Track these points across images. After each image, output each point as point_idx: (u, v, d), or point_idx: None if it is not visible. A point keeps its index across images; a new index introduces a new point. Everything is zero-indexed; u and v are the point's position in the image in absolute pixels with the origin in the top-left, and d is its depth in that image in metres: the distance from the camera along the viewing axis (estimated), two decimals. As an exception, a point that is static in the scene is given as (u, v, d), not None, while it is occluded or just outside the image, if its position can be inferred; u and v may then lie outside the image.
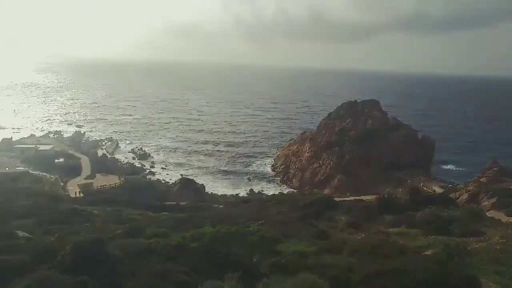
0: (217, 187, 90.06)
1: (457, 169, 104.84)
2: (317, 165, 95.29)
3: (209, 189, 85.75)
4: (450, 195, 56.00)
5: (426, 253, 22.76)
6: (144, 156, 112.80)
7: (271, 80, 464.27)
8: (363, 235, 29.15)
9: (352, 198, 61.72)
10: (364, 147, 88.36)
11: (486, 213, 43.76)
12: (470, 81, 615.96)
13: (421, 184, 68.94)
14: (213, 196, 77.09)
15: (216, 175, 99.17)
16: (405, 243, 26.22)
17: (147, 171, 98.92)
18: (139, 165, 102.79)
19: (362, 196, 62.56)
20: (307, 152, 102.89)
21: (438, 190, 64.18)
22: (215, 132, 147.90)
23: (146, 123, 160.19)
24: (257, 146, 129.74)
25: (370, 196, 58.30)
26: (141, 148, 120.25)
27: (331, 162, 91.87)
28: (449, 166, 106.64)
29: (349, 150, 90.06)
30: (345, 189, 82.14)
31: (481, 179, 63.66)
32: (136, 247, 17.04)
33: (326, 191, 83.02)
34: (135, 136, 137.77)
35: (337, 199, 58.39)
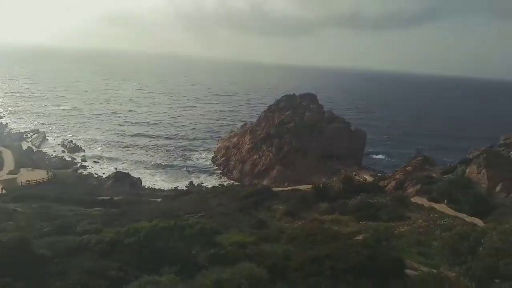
0: (155, 181, 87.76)
1: (386, 159, 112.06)
2: (257, 157, 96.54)
3: (146, 183, 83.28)
4: (380, 183, 59.72)
5: (357, 238, 24.10)
6: (74, 149, 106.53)
7: (213, 72, 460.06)
8: (299, 223, 30.12)
9: (289, 188, 63.43)
10: (301, 138, 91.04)
11: (411, 199, 47.32)
12: (403, 77, 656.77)
13: (354, 173, 72.61)
14: (151, 190, 75.01)
15: (153, 169, 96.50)
16: (338, 230, 27.55)
17: (78, 165, 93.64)
18: (69, 159, 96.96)
19: (299, 186, 64.58)
20: (248, 144, 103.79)
21: (369, 178, 68.05)
22: (153, 124, 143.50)
23: (77, 114, 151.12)
24: (197, 139, 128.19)
25: (307, 186, 60.35)
26: (71, 141, 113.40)
27: (271, 154, 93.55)
28: (379, 156, 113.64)
29: (288, 142, 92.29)
30: (284, 180, 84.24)
31: (407, 168, 68.57)
32: (65, 245, 16.08)
33: (266, 182, 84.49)
34: (65, 128, 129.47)
35: (275, 189, 59.68)
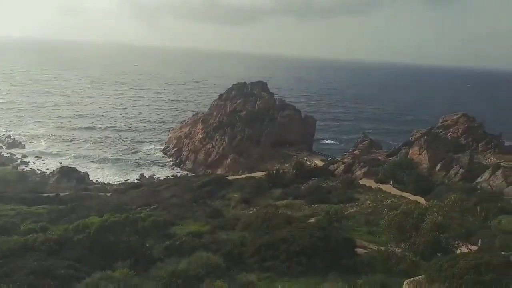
0: (103, 175, 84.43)
1: (336, 144, 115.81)
2: (210, 146, 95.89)
3: (94, 177, 80.00)
4: (330, 167, 61.70)
5: (310, 221, 24.88)
6: (13, 144, 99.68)
7: (161, 60, 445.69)
8: (254, 210, 30.49)
9: (244, 175, 63.81)
10: (254, 126, 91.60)
11: (359, 181, 49.44)
12: (351, 64, 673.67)
13: (305, 159, 74.41)
14: (100, 184, 72.23)
15: (101, 163, 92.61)
16: (292, 214, 28.26)
17: (19, 161, 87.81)
18: (8, 155, 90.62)
19: (253, 173, 65.15)
20: (200, 134, 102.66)
21: (320, 163, 70.06)
22: (99, 116, 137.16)
23: (16, 108, 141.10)
24: (147, 130, 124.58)
25: (261, 173, 61.02)
26: (10, 136, 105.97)
27: (224, 143, 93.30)
28: (328, 142, 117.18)
29: (240, 130, 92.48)
30: (238, 168, 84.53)
31: (354, 152, 71.40)
32: (9, 245, 15.14)
33: (220, 171, 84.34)
34: (2, 122, 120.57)
35: (230, 177, 59.78)
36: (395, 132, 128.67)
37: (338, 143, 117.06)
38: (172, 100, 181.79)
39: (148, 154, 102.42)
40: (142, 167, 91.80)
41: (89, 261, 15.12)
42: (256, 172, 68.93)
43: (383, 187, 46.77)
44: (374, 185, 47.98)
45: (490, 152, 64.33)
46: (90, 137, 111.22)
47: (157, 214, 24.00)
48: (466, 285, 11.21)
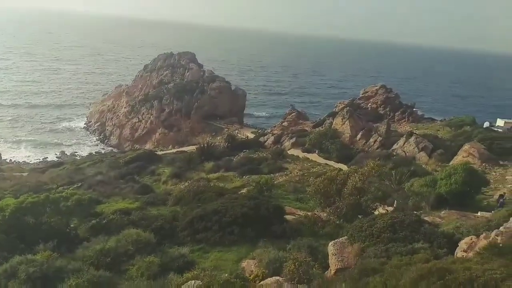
0: (19, 155, 77.44)
1: (265, 116, 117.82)
2: (137, 120, 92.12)
3: (7, 157, 73.17)
4: (260, 139, 62.87)
5: (241, 191, 25.38)
6: None
7: (78, 28, 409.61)
8: (186, 184, 30.25)
9: (174, 150, 62.64)
10: (183, 99, 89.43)
11: (288, 152, 51.15)
12: (287, 37, 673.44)
13: (236, 131, 74.90)
14: (14, 164, 66.32)
15: (16, 142, 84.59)
16: (224, 186, 28.54)
17: None
18: None
19: (184, 148, 64.23)
20: (124, 107, 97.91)
21: (250, 135, 71.05)
22: (9, 92, 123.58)
23: None
24: (65, 105, 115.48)
25: (192, 147, 60.36)
26: None
27: (151, 116, 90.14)
28: (259, 114, 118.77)
29: (169, 103, 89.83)
30: (167, 142, 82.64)
31: (283, 123, 73.36)
32: None
33: (148, 146, 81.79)
34: None
35: (159, 152, 58.33)
36: (321, 103, 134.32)
37: (268, 115, 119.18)
38: (91, 72, 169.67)
39: (69, 130, 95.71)
40: (62, 144, 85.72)
41: (6, 246, 14.00)
42: (187, 146, 68.03)
43: (310, 156, 48.90)
44: (301, 154, 49.95)
45: (405, 121, 70.03)
46: (0, 115, 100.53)
47: (81, 192, 22.74)
48: (382, 242, 12.27)
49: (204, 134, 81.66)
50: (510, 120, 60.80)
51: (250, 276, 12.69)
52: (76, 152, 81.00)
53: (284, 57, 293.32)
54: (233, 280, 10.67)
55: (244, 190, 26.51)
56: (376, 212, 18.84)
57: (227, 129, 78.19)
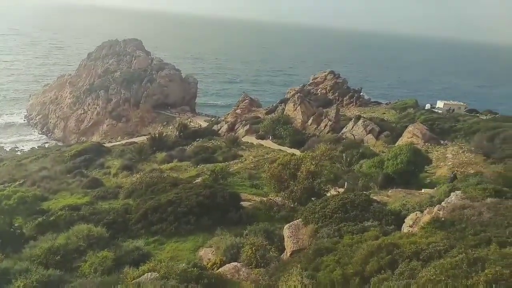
0: (-50, 151, 71.30)
1: (219, 104, 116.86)
2: (82, 112, 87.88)
3: None
4: (213, 127, 62.41)
5: (196, 181, 25.11)
6: None
7: (16, 15, 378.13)
8: (138, 175, 29.43)
9: (124, 141, 60.56)
10: (131, 88, 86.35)
11: (242, 139, 51.27)
12: (234, 23, 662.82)
13: (189, 120, 73.72)
14: None
15: None
16: (178, 176, 28.11)
17: None
18: None
19: (135, 138, 62.31)
20: (68, 98, 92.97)
21: (204, 124, 70.27)
22: None
23: None
24: (3, 98, 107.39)
25: (142, 137, 58.70)
26: None
27: (98, 107, 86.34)
28: (211, 102, 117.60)
29: (116, 93, 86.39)
30: (116, 134, 79.71)
31: (236, 111, 73.20)
32: None
33: (96, 138, 78.44)
34: None
35: (108, 144, 56.18)
36: (272, 90, 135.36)
37: (220, 102, 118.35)
38: (28, 61, 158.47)
39: (7, 124, 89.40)
40: (1, 139, 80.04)
41: None
42: (137, 137, 66.07)
43: (264, 142, 49.38)
44: (255, 141, 50.29)
45: (353, 105, 72.43)
46: None
47: (24, 190, 21.43)
48: (335, 222, 12.72)
49: (155, 124, 79.81)
50: (449, 102, 64.84)
51: (207, 264, 12.69)
52: (16, 147, 76.00)
53: (233, 45, 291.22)
54: (190, 269, 10.62)
55: (199, 179, 26.26)
56: (329, 194, 19.46)
57: (179, 118, 76.75)
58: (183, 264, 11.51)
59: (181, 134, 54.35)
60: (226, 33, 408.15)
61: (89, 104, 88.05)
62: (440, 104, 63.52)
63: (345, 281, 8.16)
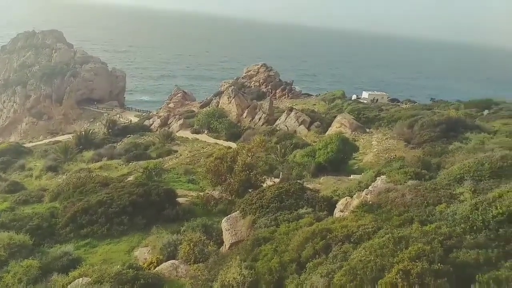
0: None
1: (149, 98, 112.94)
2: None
3: None
4: (145, 122, 60.35)
5: (129, 179, 24.13)
6: None
7: None
8: (64, 177, 27.58)
9: (47, 140, 56.29)
10: (52, 83, 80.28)
11: (177, 134, 50.18)
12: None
13: (118, 116, 70.42)
14: None
15: None
16: (108, 175, 26.77)
17: None
18: None
19: (59, 137, 58.25)
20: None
21: (134, 119, 67.61)
22: None
23: None
24: None
25: (67, 135, 55.10)
26: None
27: (15, 104, 79.27)
28: (143, 98, 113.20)
29: (35, 89, 79.82)
30: (37, 132, 73.81)
31: (169, 105, 71.42)
32: None
33: (14, 138, 72.07)
34: None
35: (28, 144, 51.90)
36: (207, 83, 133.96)
37: (151, 97, 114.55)
38: None
39: None
40: None
41: None
42: (61, 135, 61.85)
43: (199, 136, 48.80)
44: (190, 136, 49.52)
45: (285, 97, 74.21)
46: None
47: None
48: (271, 212, 12.97)
49: (81, 121, 75.21)
50: (373, 92, 69.07)
51: (144, 264, 12.30)
52: None
53: (167, 37, 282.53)
54: (125, 271, 10.22)
55: (131, 178, 25.25)
56: (265, 185, 19.78)
57: (107, 114, 72.98)
58: (118, 266, 11.04)
59: (110, 130, 51.86)
60: (158, 25, 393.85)
61: (4, 101, 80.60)
62: (365, 94, 67.44)
63: (282, 268, 8.36)
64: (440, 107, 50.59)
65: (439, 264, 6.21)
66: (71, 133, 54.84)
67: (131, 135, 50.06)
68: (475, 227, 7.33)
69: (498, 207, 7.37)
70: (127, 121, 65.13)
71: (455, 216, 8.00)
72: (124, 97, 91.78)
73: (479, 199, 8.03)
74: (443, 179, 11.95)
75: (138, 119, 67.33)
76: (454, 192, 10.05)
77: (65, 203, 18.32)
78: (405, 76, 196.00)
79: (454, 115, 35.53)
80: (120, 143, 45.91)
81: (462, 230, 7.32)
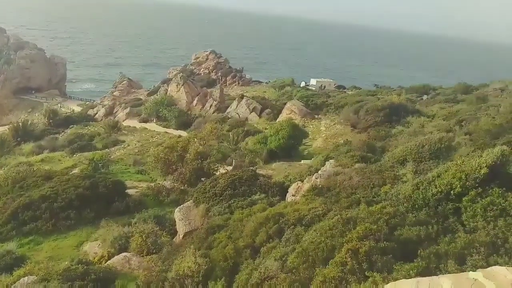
0: None
1: (93, 86, 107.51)
2: None
3: None
4: (89, 112, 57.63)
5: (74, 172, 23.05)
6: None
7: None
8: (1, 171, 25.74)
9: (-21, 133, 52.07)
10: (-17, 71, 73.92)
11: (123, 123, 48.46)
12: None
13: (59, 105, 66.50)
14: None
15: None
16: (51, 168, 25.39)
17: None
18: None
19: (-7, 129, 54.09)
20: None
21: (77, 109, 64.25)
22: None
23: None
24: None
25: (3, 127, 51.30)
26: None
27: None
28: (86, 86, 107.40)
29: (-37, 77, 73.14)
30: (-32, 125, 68.05)
31: (114, 93, 68.69)
32: None
33: None
34: None
35: (-42, 138, 47.71)
36: (155, 71, 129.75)
37: (95, 85, 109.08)
38: None
39: None
40: None
41: None
42: (-4, 126, 57.43)
43: (148, 126, 47.48)
44: (138, 125, 48.05)
45: (236, 85, 73.98)
46: None
47: None
48: (225, 200, 13.02)
49: (18, 111, 70.11)
50: (320, 79, 70.74)
51: (94, 259, 11.90)
52: None
53: (110, 23, 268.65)
54: (74, 267, 9.83)
55: (76, 170, 24.14)
56: (218, 173, 19.75)
57: (47, 104, 68.70)
58: (66, 263, 10.59)
59: (51, 121, 49.01)
60: (109, 11, 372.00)
61: None
62: (313, 81, 68.89)
63: (237, 254, 8.45)
64: (383, 93, 52.95)
65: (385, 242, 6.57)
66: (7, 125, 51.11)
67: (74, 126, 47.70)
68: (416, 205, 7.83)
69: (437, 186, 7.91)
70: (69, 111, 61.79)
71: (398, 196, 8.49)
72: (65, 86, 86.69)
73: (419, 179, 8.56)
74: (387, 161, 12.60)
75: (81, 108, 64.08)
76: (397, 174, 10.64)
77: (4, 199, 17.20)
78: (352, 63, 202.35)
79: (396, 100, 37.39)
80: (62, 134, 43.62)
81: (405, 209, 7.79)
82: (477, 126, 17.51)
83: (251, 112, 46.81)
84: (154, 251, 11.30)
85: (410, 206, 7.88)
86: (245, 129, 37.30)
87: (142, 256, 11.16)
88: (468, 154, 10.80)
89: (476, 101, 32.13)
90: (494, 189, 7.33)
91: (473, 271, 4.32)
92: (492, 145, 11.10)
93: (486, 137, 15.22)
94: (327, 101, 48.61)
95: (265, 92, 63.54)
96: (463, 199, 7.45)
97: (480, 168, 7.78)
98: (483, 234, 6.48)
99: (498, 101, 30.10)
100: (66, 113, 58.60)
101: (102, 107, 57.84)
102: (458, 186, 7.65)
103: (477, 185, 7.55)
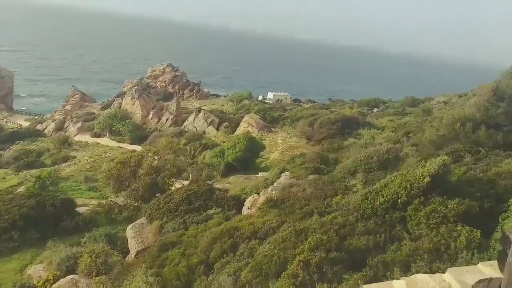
0: None
1: (43, 100, 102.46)
2: None
3: None
4: (38, 127, 54.89)
5: (19, 190, 21.71)
6: None
7: None
8: None
9: None
10: None
11: (74, 138, 46.50)
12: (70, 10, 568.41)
13: (5, 120, 62.77)
14: None
15: None
16: (-7, 187, 23.78)
17: None
18: None
19: None
20: None
21: (25, 124, 60.96)
22: None
23: None
24: None
25: None
26: None
27: None
28: (35, 100, 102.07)
29: None
30: None
31: (66, 107, 65.90)
32: None
33: None
34: None
35: None
36: (110, 84, 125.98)
37: (46, 99, 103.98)
38: None
39: None
40: None
41: None
42: None
43: (101, 140, 45.85)
44: (90, 140, 46.30)
45: (193, 98, 73.40)
46: None
47: None
48: (180, 215, 12.75)
49: (-42, 127, 65.42)
50: (277, 93, 71.91)
51: (38, 282, 11.19)
52: None
53: (70, 37, 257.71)
54: (16, 293, 9.17)
55: (22, 188, 22.75)
56: (173, 188, 19.35)
57: (-10, 119, 64.58)
58: (6, 289, 9.86)
59: (-4, 137, 46.08)
60: (69, 24, 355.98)
61: None
62: (270, 95, 69.93)
63: (190, 272, 8.27)
64: (336, 106, 54.65)
65: (335, 252, 6.69)
66: None
67: (21, 141, 45.16)
68: (365, 215, 8.06)
69: (384, 196, 8.20)
70: (16, 126, 58.43)
71: (348, 206, 8.71)
72: (12, 100, 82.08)
73: (368, 190, 8.83)
74: (339, 172, 12.94)
75: (30, 123, 60.87)
76: (348, 184, 10.94)
77: None
78: (308, 78, 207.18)
79: (349, 113, 38.68)
80: (8, 150, 41.15)
81: (354, 218, 7.99)
82: (423, 137, 18.43)
83: (208, 126, 46.58)
84: (104, 272, 10.81)
85: (359, 215, 8.10)
86: (203, 142, 37.01)
87: (91, 277, 10.63)
88: (415, 164, 11.31)
89: (422, 114, 33.89)
90: (435, 198, 7.70)
91: (397, 279, 4.47)
92: (436, 155, 11.70)
93: (430, 148, 16.03)
94: (283, 114, 49.38)
95: (223, 105, 63.58)
96: (408, 208, 7.77)
97: (423, 178, 8.17)
98: (427, 241, 6.77)
99: (441, 113, 31.95)
100: (12, 128, 55.38)
101: (52, 121, 55.26)
102: (404, 195, 7.98)
103: (420, 193, 7.91)
